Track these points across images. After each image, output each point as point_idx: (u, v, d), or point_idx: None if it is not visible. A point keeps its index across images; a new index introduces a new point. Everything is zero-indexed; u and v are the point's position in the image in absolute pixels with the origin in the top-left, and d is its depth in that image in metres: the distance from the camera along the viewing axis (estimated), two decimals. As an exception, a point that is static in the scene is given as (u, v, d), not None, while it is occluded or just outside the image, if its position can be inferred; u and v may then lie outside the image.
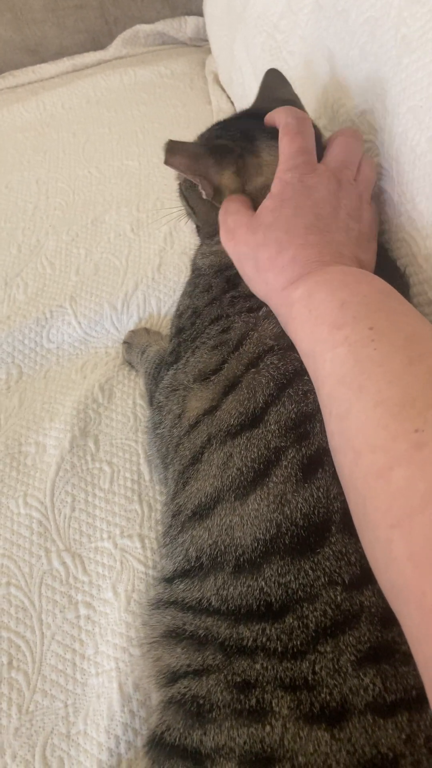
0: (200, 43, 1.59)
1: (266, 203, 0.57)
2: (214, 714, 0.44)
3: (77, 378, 0.85)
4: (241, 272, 0.59)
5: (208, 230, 0.71)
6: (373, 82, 0.63)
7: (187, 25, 1.60)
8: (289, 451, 0.49)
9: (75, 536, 0.67)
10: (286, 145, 0.59)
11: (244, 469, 0.50)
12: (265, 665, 0.44)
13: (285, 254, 0.53)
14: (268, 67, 0.84)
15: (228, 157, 0.63)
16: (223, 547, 0.50)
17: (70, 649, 0.60)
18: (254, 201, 0.62)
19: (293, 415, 0.50)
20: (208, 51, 1.46)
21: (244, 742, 0.42)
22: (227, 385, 0.55)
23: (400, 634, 0.36)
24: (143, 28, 1.61)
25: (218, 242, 0.65)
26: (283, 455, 0.49)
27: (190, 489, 0.55)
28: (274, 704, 0.42)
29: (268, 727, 0.41)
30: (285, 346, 0.54)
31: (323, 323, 0.46)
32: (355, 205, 0.58)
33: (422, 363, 0.39)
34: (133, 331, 0.87)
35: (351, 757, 0.39)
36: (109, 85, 1.43)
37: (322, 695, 0.41)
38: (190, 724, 0.44)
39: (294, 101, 0.71)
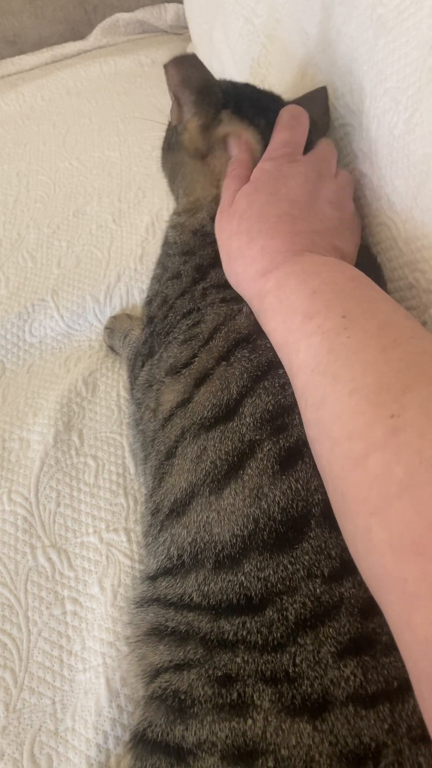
0: (181, 31, 1.57)
1: (244, 189, 0.57)
2: (195, 709, 0.43)
3: (61, 372, 0.84)
4: (221, 258, 0.58)
5: (173, 186, 0.72)
6: (350, 63, 0.62)
7: (167, 12, 1.58)
8: (265, 443, 0.48)
9: (60, 532, 0.67)
10: (273, 137, 0.61)
11: (218, 462, 0.50)
12: (246, 658, 0.44)
13: (254, 245, 0.52)
14: (246, 53, 0.83)
15: (205, 108, 0.64)
16: (202, 545, 0.49)
17: (57, 645, 0.59)
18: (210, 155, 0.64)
19: (270, 407, 0.50)
20: (189, 39, 1.44)
21: (226, 737, 0.41)
22: (197, 377, 0.55)
23: (381, 624, 0.36)
24: (123, 17, 1.59)
25: (183, 213, 0.67)
26: (258, 448, 0.49)
27: (166, 485, 0.54)
28: (255, 698, 0.42)
29: (249, 721, 0.41)
30: (257, 339, 0.53)
31: (295, 313, 0.45)
32: (337, 195, 0.58)
33: (396, 349, 0.39)
34: (114, 317, 0.86)
35: (333, 748, 0.39)
36: (89, 75, 1.41)
37: (303, 687, 0.41)
38: (172, 720, 0.44)
39: (318, 124, 0.67)
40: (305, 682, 0.41)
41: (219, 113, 0.64)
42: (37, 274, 0.96)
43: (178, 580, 0.50)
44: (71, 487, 0.70)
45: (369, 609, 0.42)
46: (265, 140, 0.62)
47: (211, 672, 0.44)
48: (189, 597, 0.49)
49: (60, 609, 0.62)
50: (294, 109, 0.62)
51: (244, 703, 0.42)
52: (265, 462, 0.48)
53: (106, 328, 0.85)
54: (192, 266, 0.63)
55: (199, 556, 0.49)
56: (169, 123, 0.72)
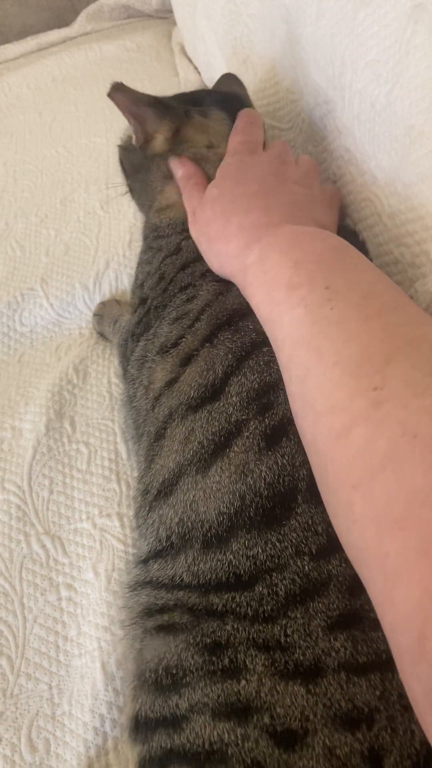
0: (166, 15, 1.55)
1: (210, 184, 0.60)
2: (187, 678, 0.43)
3: (51, 360, 0.84)
4: (200, 251, 0.59)
5: (144, 197, 0.74)
6: (331, 38, 0.61)
7: (152, -4, 1.57)
8: (251, 423, 0.48)
9: (54, 519, 0.67)
10: (231, 140, 0.63)
11: (204, 442, 0.50)
12: (235, 626, 0.44)
13: (231, 223, 0.53)
14: (229, 33, 0.83)
15: (170, 114, 0.67)
16: (189, 524, 0.49)
17: (52, 631, 0.60)
18: (202, 162, 0.66)
19: (256, 386, 0.50)
20: (174, 23, 1.43)
21: (218, 696, 0.41)
22: (183, 357, 0.55)
23: (368, 601, 0.36)
24: (107, 2, 1.57)
25: (165, 208, 0.68)
26: (244, 427, 0.48)
27: (155, 466, 0.54)
28: (248, 662, 0.42)
29: (243, 682, 0.41)
30: (239, 321, 0.53)
31: (278, 285, 0.45)
32: (302, 178, 0.59)
33: (379, 319, 0.38)
34: (103, 303, 0.86)
35: (328, 710, 0.39)
36: (74, 62, 1.40)
37: (296, 655, 0.41)
38: (166, 694, 0.44)
39: (242, 96, 0.76)
40: (297, 650, 0.42)
41: (189, 113, 0.68)
42: (25, 263, 0.95)
43: (168, 562, 0.50)
44: (64, 474, 0.70)
45: (357, 586, 0.41)
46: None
47: (199, 639, 0.44)
48: (180, 578, 0.49)
49: (55, 595, 0.62)
50: (249, 113, 0.65)
51: (236, 667, 0.42)
52: (251, 440, 0.48)
53: (95, 314, 0.85)
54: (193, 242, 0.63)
55: (187, 536, 0.49)
56: (123, 148, 0.76)
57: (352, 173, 0.61)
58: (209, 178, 0.64)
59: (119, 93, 0.64)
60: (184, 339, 0.56)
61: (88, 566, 0.63)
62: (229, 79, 0.80)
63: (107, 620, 0.58)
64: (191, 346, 0.55)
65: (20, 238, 1.00)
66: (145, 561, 0.53)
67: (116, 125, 1.16)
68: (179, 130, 0.67)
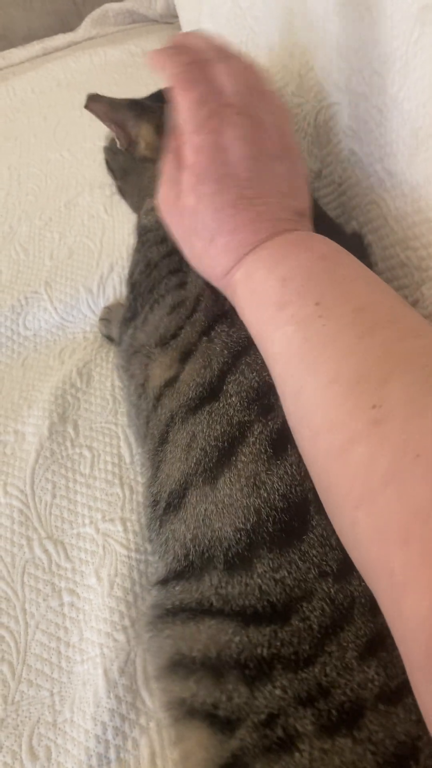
0: (171, 20, 1.56)
1: (185, 178, 0.49)
2: (247, 759, 0.41)
3: (55, 364, 0.84)
4: (181, 249, 0.53)
5: (135, 199, 0.74)
6: (336, 41, 0.61)
7: (157, 1, 1.57)
8: (255, 425, 0.47)
9: (57, 523, 0.66)
10: (179, 99, 0.48)
11: (207, 448, 0.48)
12: (284, 684, 0.41)
13: (216, 243, 0.48)
14: (234, 36, 0.82)
15: (147, 113, 0.67)
16: (206, 542, 0.46)
17: (54, 637, 0.59)
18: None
19: (255, 385, 0.48)
20: (179, 27, 1.43)
21: None
22: (183, 352, 0.53)
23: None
24: (112, 7, 1.58)
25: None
26: (248, 431, 0.47)
27: (161, 475, 0.52)
28: (298, 726, 0.40)
29: (297, 754, 0.39)
30: (234, 313, 0.50)
31: (267, 304, 0.43)
32: (278, 140, 0.49)
33: (374, 336, 0.37)
34: (108, 307, 0.85)
35: (375, 757, 0.38)
36: (79, 66, 1.40)
37: (337, 698, 0.39)
38: None
39: None
40: (337, 691, 0.40)
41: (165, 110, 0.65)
42: (29, 266, 0.95)
43: (192, 584, 0.47)
44: (67, 478, 0.69)
45: (376, 604, 0.40)
46: None
47: (256, 719, 0.42)
48: (208, 601, 0.45)
49: (57, 600, 0.61)
50: (175, 50, 0.49)
51: (288, 736, 0.40)
52: (257, 446, 0.46)
53: (102, 319, 0.84)
54: None
55: (206, 554, 0.46)
56: (109, 149, 0.76)
57: (357, 176, 0.61)
58: None
59: (95, 103, 0.66)
60: (183, 330, 0.55)
61: (90, 571, 0.62)
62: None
63: (110, 626, 0.58)
64: (190, 339, 0.53)
65: (24, 241, 0.99)
66: (164, 582, 0.51)
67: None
68: (159, 129, 0.67)
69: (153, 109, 0.68)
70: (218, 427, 0.48)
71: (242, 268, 0.46)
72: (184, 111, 0.48)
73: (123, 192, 0.79)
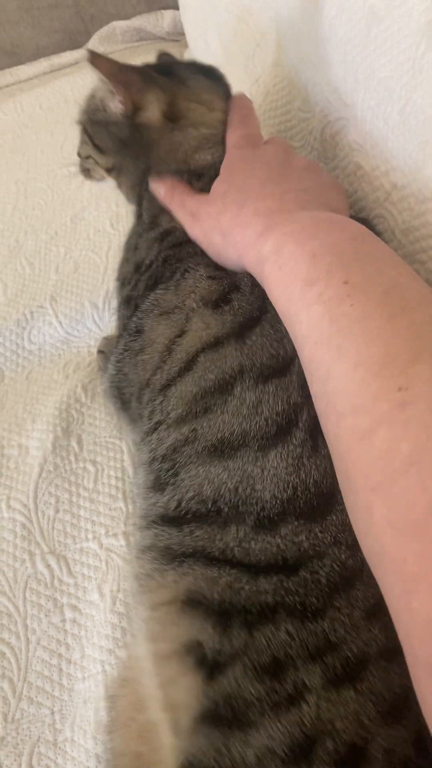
0: (178, 38, 1.57)
1: (217, 179, 0.57)
2: (250, 714, 0.41)
3: (59, 378, 0.83)
4: (211, 250, 0.57)
5: (135, 175, 0.69)
6: (343, 56, 0.61)
7: (164, 19, 1.58)
8: (304, 409, 0.48)
9: (59, 538, 0.66)
10: (230, 133, 0.62)
11: (270, 420, 0.49)
12: (289, 630, 0.43)
13: (246, 210, 0.51)
14: (240, 53, 0.82)
15: (158, 80, 0.64)
16: (244, 497, 0.48)
17: (56, 654, 0.58)
18: (186, 136, 0.64)
19: None
20: (186, 45, 1.44)
21: (283, 734, 0.40)
22: (243, 321, 0.53)
23: None
24: (120, 25, 1.59)
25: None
26: (300, 414, 0.48)
27: (215, 419, 0.51)
28: (306, 680, 0.41)
29: (305, 706, 0.40)
30: None
31: (295, 280, 0.43)
32: (309, 164, 0.57)
33: (403, 317, 0.37)
34: (107, 338, 0.83)
35: (376, 707, 0.39)
36: (86, 83, 1.40)
37: (343, 653, 0.41)
38: (228, 734, 0.42)
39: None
40: (344, 647, 0.41)
41: (185, 80, 0.67)
42: (35, 280, 0.95)
43: (216, 532, 0.48)
44: (70, 492, 0.69)
45: None
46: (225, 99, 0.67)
47: (255, 659, 0.43)
48: (231, 552, 0.47)
49: (59, 617, 0.60)
50: (242, 103, 0.64)
51: (297, 691, 0.41)
52: (304, 432, 0.48)
53: (100, 351, 0.82)
54: None
55: (240, 508, 0.48)
56: (95, 122, 0.70)
57: (364, 189, 0.61)
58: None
59: (100, 58, 0.60)
60: (236, 301, 0.54)
61: (93, 587, 0.61)
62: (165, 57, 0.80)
63: (111, 643, 0.57)
64: (250, 310, 0.53)
65: (30, 255, 1.00)
66: (175, 521, 0.51)
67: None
68: (173, 103, 0.65)
69: (159, 77, 0.65)
70: (281, 403, 0.49)
71: (271, 239, 0.47)
72: (230, 141, 0.61)
73: (118, 170, 0.72)
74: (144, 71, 0.65)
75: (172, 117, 0.65)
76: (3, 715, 0.55)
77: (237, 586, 0.46)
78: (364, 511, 0.34)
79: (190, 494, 0.50)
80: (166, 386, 0.56)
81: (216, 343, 0.53)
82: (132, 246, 0.68)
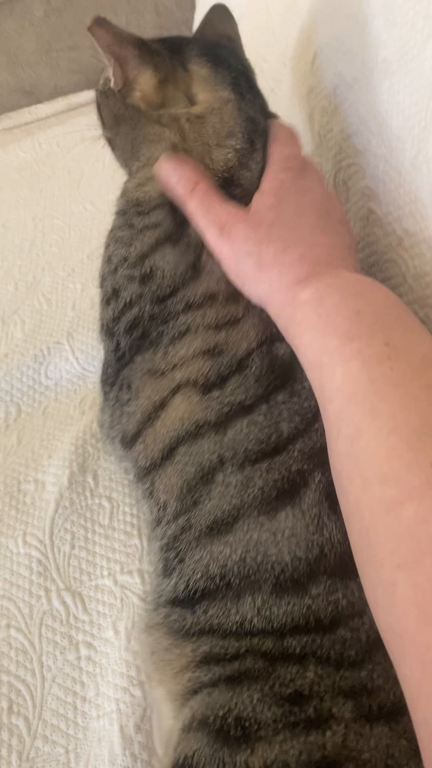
0: (192, 77, 1.61)
1: (263, 200, 0.54)
2: (262, 732, 0.41)
3: (75, 414, 0.84)
4: (235, 273, 0.54)
5: (126, 155, 0.68)
6: (357, 107, 0.63)
7: (177, 60, 1.62)
8: (316, 473, 0.48)
9: (75, 574, 0.66)
10: (275, 151, 0.58)
11: (266, 488, 0.49)
12: (319, 672, 0.42)
13: (293, 251, 0.50)
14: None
15: (155, 58, 0.60)
16: (255, 565, 0.47)
17: (71, 691, 0.58)
18: (177, 121, 0.60)
19: (319, 446, 0.49)
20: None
21: (300, 751, 0.39)
22: (235, 410, 0.52)
23: None
24: (135, 65, 1.63)
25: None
26: (309, 478, 0.48)
27: (204, 507, 0.51)
28: (334, 710, 0.40)
29: (329, 732, 0.40)
30: (293, 383, 0.52)
31: (335, 332, 0.43)
32: (343, 216, 0.57)
33: None
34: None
35: (410, 743, 0.39)
36: (102, 122, 1.44)
37: (381, 698, 0.41)
38: (233, 748, 0.41)
39: (233, 38, 0.69)
40: (382, 693, 0.41)
41: (185, 65, 0.61)
42: (52, 317, 0.97)
43: (229, 606, 0.48)
44: (86, 528, 0.69)
45: None
46: (238, 91, 0.61)
47: (276, 689, 0.42)
48: (250, 623, 0.46)
49: (74, 654, 0.61)
50: (283, 126, 0.62)
51: (321, 717, 0.40)
52: (318, 494, 0.47)
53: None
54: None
55: (252, 577, 0.47)
56: (102, 92, 0.68)
57: (376, 234, 0.62)
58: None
59: (100, 28, 0.56)
60: (229, 383, 0.53)
61: (108, 624, 0.62)
62: (219, 16, 0.71)
63: (126, 681, 0.57)
64: (242, 400, 0.52)
65: (47, 291, 1.01)
66: (186, 603, 0.50)
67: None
68: (163, 84, 0.60)
69: (161, 55, 0.61)
70: (277, 473, 0.49)
71: (312, 287, 0.47)
72: (276, 158, 0.58)
73: (112, 144, 0.71)
74: (145, 46, 0.60)
75: (156, 103, 0.61)
76: (18, 753, 0.55)
77: (258, 646, 0.45)
78: (387, 587, 0.34)
79: (198, 575, 0.50)
80: (151, 469, 0.57)
81: (196, 434, 0.53)
82: (107, 258, 0.67)
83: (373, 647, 0.42)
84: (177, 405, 0.55)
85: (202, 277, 0.58)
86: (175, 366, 0.56)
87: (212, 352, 0.55)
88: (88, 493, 0.73)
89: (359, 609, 0.43)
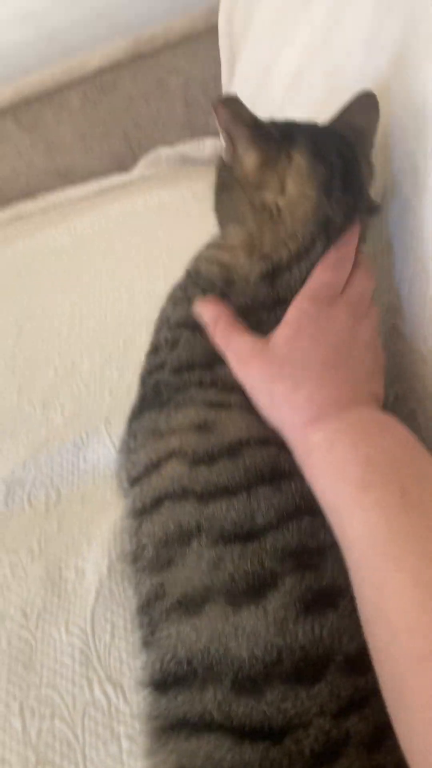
0: (219, 162, 1.69)
1: (282, 332, 0.56)
2: None
3: (112, 499, 0.87)
4: (253, 399, 0.57)
5: (222, 219, 0.72)
6: (379, 229, 0.68)
7: (206, 146, 1.70)
8: (287, 578, 0.47)
9: (116, 664, 0.68)
10: (316, 275, 0.59)
11: (236, 577, 0.49)
12: None
13: (301, 392, 0.52)
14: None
15: (263, 142, 0.62)
16: (218, 657, 0.47)
17: (113, 785, 0.60)
18: (265, 208, 0.62)
19: (294, 546, 0.49)
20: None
21: None
22: (214, 492, 0.53)
23: (385, 756, 0.37)
24: (165, 151, 1.72)
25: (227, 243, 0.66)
26: (279, 580, 0.48)
27: (177, 573, 0.52)
28: None
29: None
30: (281, 480, 0.53)
31: (347, 480, 0.45)
32: (372, 338, 0.59)
33: None
34: None
35: None
36: (134, 208, 1.51)
37: None
38: None
39: (363, 131, 0.67)
40: None
41: (290, 152, 0.62)
42: (90, 402, 1.01)
43: (195, 695, 0.47)
44: (125, 619, 0.72)
45: (373, 743, 0.42)
46: (325, 190, 0.61)
47: None
48: (210, 715, 0.46)
49: (117, 746, 0.62)
50: (342, 251, 0.60)
51: None
52: (287, 599, 0.47)
53: None
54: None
55: (215, 669, 0.47)
56: (221, 157, 0.70)
57: (399, 349, 0.66)
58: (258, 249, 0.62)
59: (224, 107, 0.60)
60: (220, 465, 0.54)
61: (148, 717, 0.64)
62: (361, 102, 0.67)
63: (167, 776, 0.59)
64: (224, 487, 0.53)
65: (86, 377, 1.06)
66: (160, 686, 0.51)
67: (174, 272, 1.25)
68: (263, 167, 0.63)
69: (271, 139, 0.63)
70: (249, 564, 0.49)
71: (322, 431, 0.49)
72: (310, 284, 0.58)
73: (218, 207, 0.73)
74: (257, 128, 0.63)
75: (253, 183, 0.64)
76: None
77: (219, 754, 0.45)
78: (422, 737, 0.35)
79: (169, 656, 0.50)
80: (141, 512, 0.59)
81: (181, 495, 0.55)
82: (162, 309, 0.75)
83: (316, 763, 0.42)
84: (169, 468, 0.58)
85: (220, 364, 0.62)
86: (172, 432, 0.59)
87: (204, 428, 0.57)
88: (126, 583, 0.75)
89: (305, 720, 0.43)
